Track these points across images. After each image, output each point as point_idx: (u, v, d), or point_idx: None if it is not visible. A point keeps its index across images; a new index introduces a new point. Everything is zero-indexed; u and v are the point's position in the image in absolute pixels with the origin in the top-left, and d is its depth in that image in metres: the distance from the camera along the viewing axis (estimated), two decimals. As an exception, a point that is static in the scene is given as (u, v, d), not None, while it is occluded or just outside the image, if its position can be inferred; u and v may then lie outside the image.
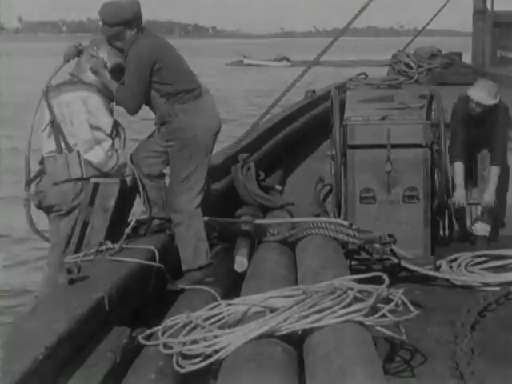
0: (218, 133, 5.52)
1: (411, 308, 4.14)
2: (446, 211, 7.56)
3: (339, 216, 7.14)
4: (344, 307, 3.91)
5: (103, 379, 3.83)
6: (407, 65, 9.30)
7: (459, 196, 7.16)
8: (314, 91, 11.29)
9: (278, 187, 8.37)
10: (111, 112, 5.64)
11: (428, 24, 13.64)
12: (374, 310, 3.99)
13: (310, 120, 10.21)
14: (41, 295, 5.39)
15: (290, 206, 7.56)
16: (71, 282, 4.47)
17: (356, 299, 3.99)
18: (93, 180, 5.42)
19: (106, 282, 4.53)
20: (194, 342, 3.98)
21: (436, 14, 13.25)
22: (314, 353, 3.72)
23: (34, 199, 5.54)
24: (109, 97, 5.57)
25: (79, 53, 5.60)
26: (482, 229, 7.41)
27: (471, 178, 7.50)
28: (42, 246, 6.27)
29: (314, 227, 6.02)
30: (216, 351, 3.86)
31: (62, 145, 5.47)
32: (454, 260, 6.64)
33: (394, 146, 6.91)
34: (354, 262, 6.22)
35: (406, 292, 4.26)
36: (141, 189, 5.57)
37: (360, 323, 3.91)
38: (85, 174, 5.46)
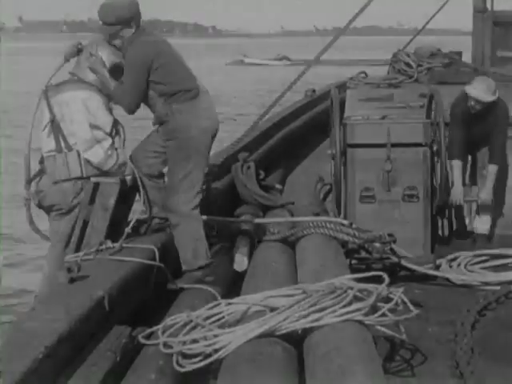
0: (215, 134, 5.50)
1: (411, 307, 4.14)
2: (446, 210, 7.57)
3: (339, 215, 7.15)
4: (344, 306, 3.92)
5: (103, 378, 3.83)
6: (407, 64, 9.29)
7: (456, 193, 7.17)
8: (313, 90, 11.30)
9: (278, 186, 8.38)
10: (111, 111, 5.64)
11: (428, 23, 13.64)
12: (373, 309, 3.99)
13: (309, 119, 10.22)
14: (41, 294, 5.39)
15: (290, 205, 7.56)
16: (71, 281, 4.47)
17: (356, 298, 4.00)
18: (93, 179, 5.41)
19: (106, 282, 4.53)
20: (194, 341, 3.99)
21: (436, 13, 13.24)
22: (314, 352, 3.72)
23: (34, 198, 5.54)
24: (108, 96, 5.57)
25: (79, 52, 5.60)
26: (482, 227, 7.42)
27: (470, 177, 7.50)
28: (41, 245, 6.27)
29: (314, 226, 6.02)
30: (216, 350, 3.87)
31: (62, 144, 5.46)
32: (454, 259, 6.65)
33: (393, 145, 6.92)
34: (353, 261, 6.22)
35: (406, 291, 4.27)
36: (141, 188, 5.57)
37: (360, 322, 3.91)
38: (85, 173, 5.45)
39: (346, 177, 7.10)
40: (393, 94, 8.16)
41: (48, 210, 5.55)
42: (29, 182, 5.56)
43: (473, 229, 7.50)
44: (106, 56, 5.52)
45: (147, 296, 5.12)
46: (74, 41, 5.71)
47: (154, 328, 4.31)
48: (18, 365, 3.40)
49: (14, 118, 22.24)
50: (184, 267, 5.45)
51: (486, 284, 6.20)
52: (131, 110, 5.45)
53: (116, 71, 5.48)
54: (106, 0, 5.42)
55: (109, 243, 5.19)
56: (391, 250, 6.11)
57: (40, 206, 5.57)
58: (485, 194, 7.24)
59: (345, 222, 6.27)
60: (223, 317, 4.14)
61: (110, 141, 5.52)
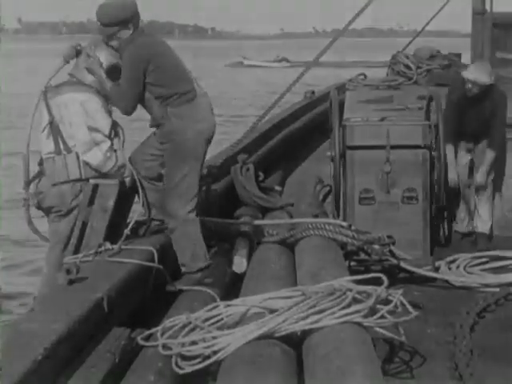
0: (211, 137, 5.49)
1: (410, 309, 4.14)
2: (445, 212, 7.58)
3: (338, 217, 7.14)
4: (343, 308, 3.91)
5: (102, 380, 3.82)
6: (406, 66, 9.29)
7: (451, 176, 7.18)
8: (313, 92, 11.30)
9: (278, 188, 8.38)
10: (110, 113, 5.64)
11: (427, 25, 13.64)
12: (373, 311, 3.99)
13: (309, 121, 10.22)
14: (40, 296, 5.39)
15: (289, 206, 7.56)
16: (70, 282, 4.47)
17: (355, 300, 3.99)
18: (92, 181, 5.41)
19: (105, 283, 4.53)
20: (193, 342, 3.98)
21: (435, 15, 13.24)
22: (313, 354, 3.72)
23: (33, 200, 5.54)
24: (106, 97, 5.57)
25: (78, 53, 5.59)
26: (482, 226, 7.42)
27: (471, 170, 7.49)
28: (41, 248, 6.26)
29: (313, 228, 6.02)
30: (215, 352, 3.86)
31: (61, 146, 5.46)
32: (453, 261, 6.64)
33: (393, 147, 6.92)
34: (353, 263, 6.22)
35: (405, 293, 4.27)
36: (140, 190, 5.57)
37: (359, 324, 3.91)
38: (83, 175, 5.45)
39: (346, 178, 7.10)
40: (392, 95, 8.16)
41: (47, 211, 5.55)
42: (28, 183, 5.55)
43: (472, 229, 7.50)
44: (104, 57, 5.52)
45: (146, 298, 5.12)
46: (73, 42, 5.71)
47: (153, 330, 4.31)
48: (17, 366, 3.40)
49: (13, 119, 22.23)
50: (183, 270, 5.45)
51: (486, 286, 6.19)
52: (127, 112, 5.45)
53: (114, 72, 5.47)
54: (105, 1, 5.42)
55: (108, 245, 5.19)
56: (390, 251, 6.11)
57: (39, 207, 5.57)
58: (480, 176, 7.26)
59: (344, 223, 6.26)
60: (222, 318, 4.13)
61: (108, 143, 5.52)
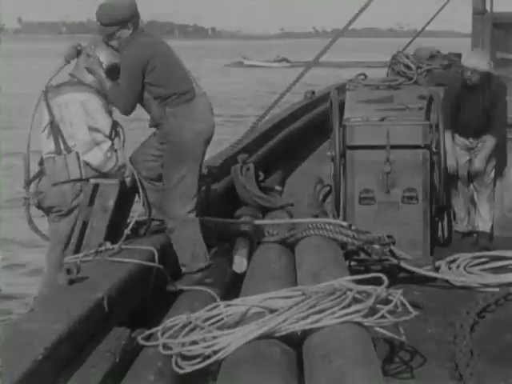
0: (210, 138, 5.48)
1: (410, 309, 4.14)
2: (445, 212, 7.58)
3: (338, 217, 7.15)
4: (343, 308, 3.92)
5: (102, 380, 3.82)
6: (406, 66, 9.28)
7: (450, 163, 7.18)
8: (313, 92, 11.29)
9: (278, 188, 8.38)
10: (110, 113, 5.64)
11: (427, 25, 13.64)
12: (373, 310, 3.99)
13: (309, 121, 10.21)
14: (40, 296, 5.39)
15: (289, 206, 7.56)
16: (70, 282, 4.47)
17: (355, 300, 3.99)
18: (92, 181, 5.41)
19: (105, 283, 4.53)
20: (194, 342, 3.99)
21: (435, 15, 13.24)
22: (313, 353, 3.72)
23: (33, 199, 5.54)
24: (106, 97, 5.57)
25: (78, 53, 5.59)
26: (483, 225, 7.43)
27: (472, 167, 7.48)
28: (41, 248, 6.26)
29: (313, 228, 6.02)
30: (215, 352, 3.87)
31: (61, 146, 5.46)
32: (453, 261, 6.64)
33: (393, 147, 6.92)
34: (353, 263, 6.22)
35: (405, 293, 4.27)
36: (140, 190, 5.57)
37: (359, 324, 3.91)
38: (84, 175, 5.45)
39: (346, 178, 7.10)
40: (392, 95, 8.17)
41: (47, 211, 5.55)
42: (28, 183, 5.55)
43: (472, 229, 7.51)
44: (104, 57, 5.51)
45: (146, 297, 5.12)
46: (73, 42, 5.70)
47: (154, 329, 4.31)
48: (17, 366, 3.40)
49: (13, 119, 22.23)
50: (183, 270, 5.45)
51: (486, 286, 6.20)
52: (126, 112, 5.44)
53: (114, 72, 5.47)
54: (105, 1, 5.42)
55: (108, 244, 5.19)
56: (390, 251, 6.11)
57: (39, 207, 5.57)
58: (478, 163, 7.26)
59: (344, 223, 6.26)
60: (222, 318, 4.14)
61: (109, 143, 5.52)
